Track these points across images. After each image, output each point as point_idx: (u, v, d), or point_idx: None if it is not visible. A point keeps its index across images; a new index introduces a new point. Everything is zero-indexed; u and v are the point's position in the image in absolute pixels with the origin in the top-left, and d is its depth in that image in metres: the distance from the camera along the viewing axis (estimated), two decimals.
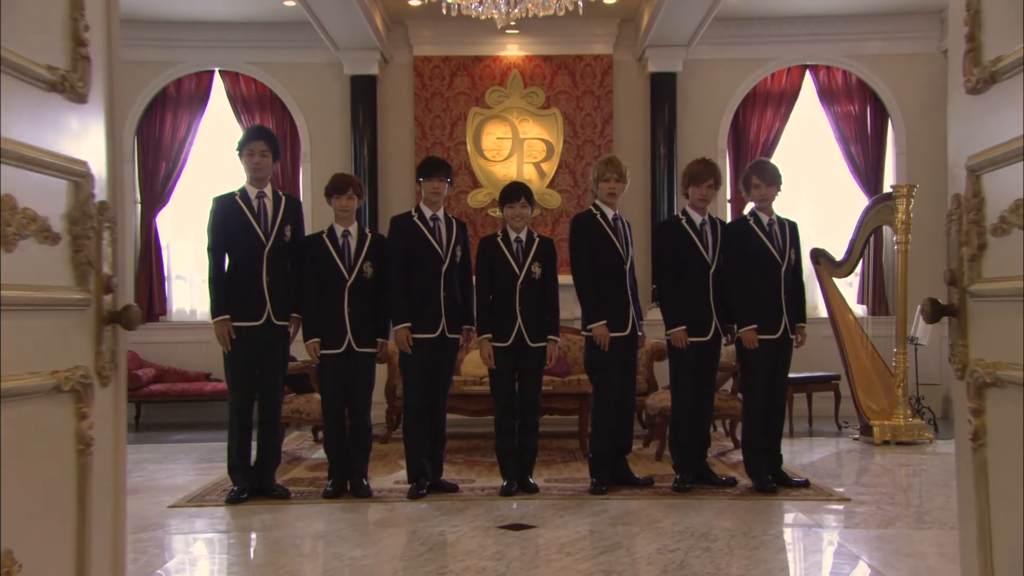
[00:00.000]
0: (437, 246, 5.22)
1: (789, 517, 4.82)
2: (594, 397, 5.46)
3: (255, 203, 5.16)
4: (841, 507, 4.94)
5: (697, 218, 5.37)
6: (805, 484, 5.40)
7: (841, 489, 5.39)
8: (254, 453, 5.25)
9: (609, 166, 5.35)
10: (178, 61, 9.00)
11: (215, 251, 5.15)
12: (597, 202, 5.38)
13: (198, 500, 5.20)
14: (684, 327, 5.26)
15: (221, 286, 5.11)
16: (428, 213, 5.28)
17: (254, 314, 5.07)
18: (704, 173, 5.37)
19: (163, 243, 9.13)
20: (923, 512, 4.85)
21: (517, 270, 5.26)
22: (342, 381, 5.23)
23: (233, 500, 5.06)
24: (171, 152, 9.00)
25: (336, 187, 5.29)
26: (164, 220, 9.09)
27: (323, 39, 8.46)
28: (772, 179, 5.39)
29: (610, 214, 5.35)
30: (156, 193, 9.00)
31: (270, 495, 5.18)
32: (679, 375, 5.38)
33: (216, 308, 5.10)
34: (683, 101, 8.95)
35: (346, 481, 5.29)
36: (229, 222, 5.13)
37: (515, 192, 5.36)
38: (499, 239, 5.34)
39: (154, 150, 9.02)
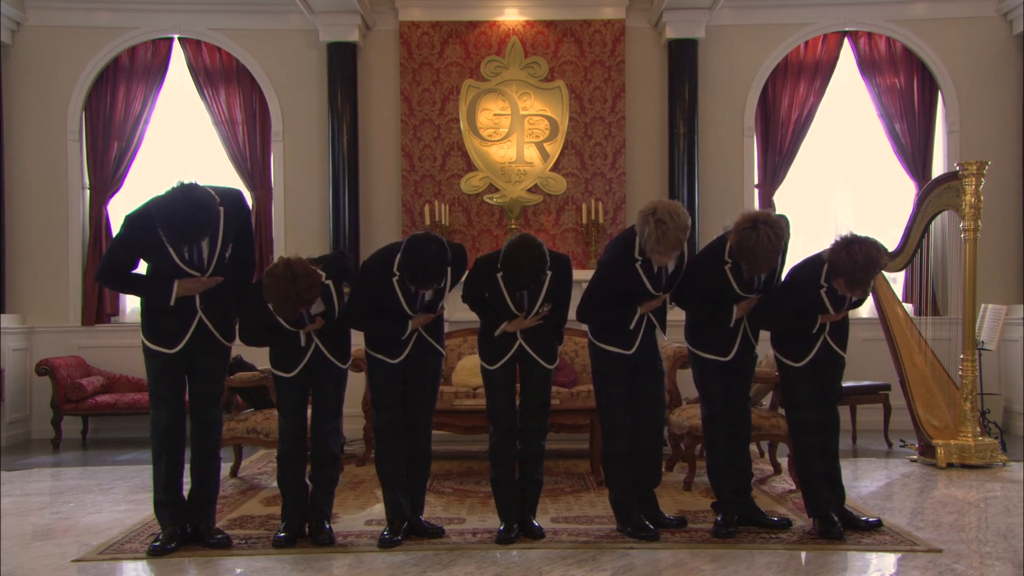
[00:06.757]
0: (408, 308, 4.17)
1: None
2: (599, 417, 4.47)
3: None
4: (934, 562, 3.86)
5: None
6: (877, 525, 4.36)
7: (924, 533, 4.32)
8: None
9: (662, 243, 4.01)
10: (132, 27, 8.12)
11: (117, 265, 4.13)
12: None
13: (114, 550, 4.12)
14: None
15: (134, 278, 4.14)
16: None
17: (178, 337, 4.08)
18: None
19: (115, 234, 8.04)
20: None
21: (520, 313, 4.26)
22: (304, 396, 4.26)
23: (157, 552, 3.99)
24: (124, 130, 8.09)
25: None
26: (116, 208, 8.12)
27: (296, 1, 7.58)
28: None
29: (655, 267, 4.22)
30: (107, 177, 8.06)
31: (207, 543, 4.11)
32: (705, 385, 4.43)
33: (147, 290, 4.11)
34: (705, 73, 8.12)
35: (304, 525, 4.23)
36: (146, 252, 4.06)
37: (524, 281, 4.11)
38: (500, 277, 4.19)
39: (104, 128, 8.09)
